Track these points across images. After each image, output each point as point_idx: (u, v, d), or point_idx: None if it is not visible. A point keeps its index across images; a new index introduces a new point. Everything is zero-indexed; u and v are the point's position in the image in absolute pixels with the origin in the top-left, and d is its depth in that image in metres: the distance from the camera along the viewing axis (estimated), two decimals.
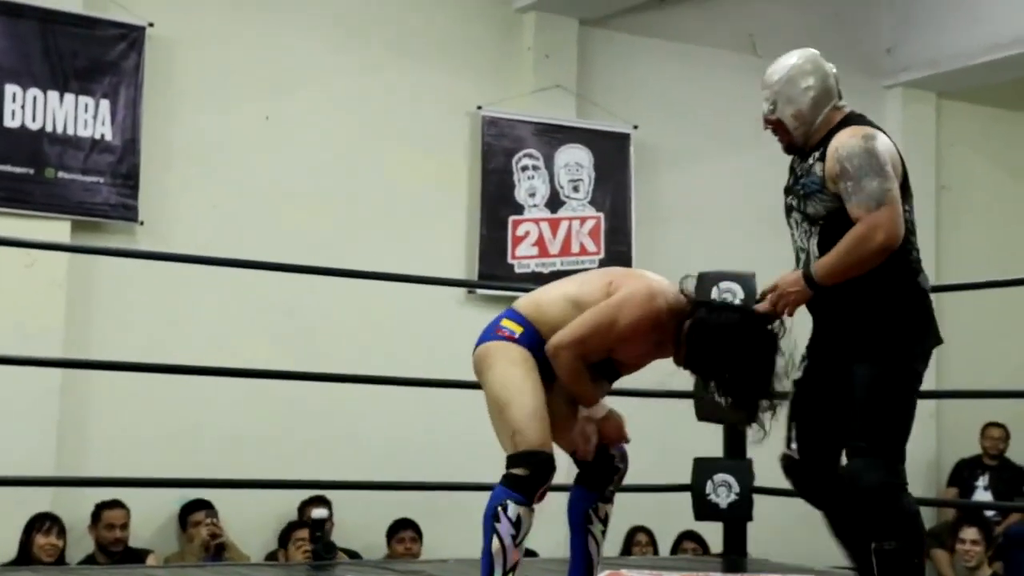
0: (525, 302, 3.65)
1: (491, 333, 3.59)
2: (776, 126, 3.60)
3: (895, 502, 3.41)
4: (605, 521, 3.77)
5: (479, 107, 7.86)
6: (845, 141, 3.44)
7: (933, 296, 3.57)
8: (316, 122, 7.46)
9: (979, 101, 9.61)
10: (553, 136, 8.02)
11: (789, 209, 3.64)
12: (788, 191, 3.65)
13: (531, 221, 7.91)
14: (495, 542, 3.44)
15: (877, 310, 3.45)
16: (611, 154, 8.15)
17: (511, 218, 7.88)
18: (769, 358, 3.52)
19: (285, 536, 6.76)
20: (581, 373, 3.49)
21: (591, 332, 3.46)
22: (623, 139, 8.18)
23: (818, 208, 3.50)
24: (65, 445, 6.57)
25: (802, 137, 3.56)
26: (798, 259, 3.61)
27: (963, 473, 8.92)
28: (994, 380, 8.63)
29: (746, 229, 7.99)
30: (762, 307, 3.54)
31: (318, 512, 6.65)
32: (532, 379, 3.50)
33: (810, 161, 3.54)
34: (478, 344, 3.62)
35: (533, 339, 3.54)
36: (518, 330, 3.56)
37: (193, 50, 7.15)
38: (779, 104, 3.55)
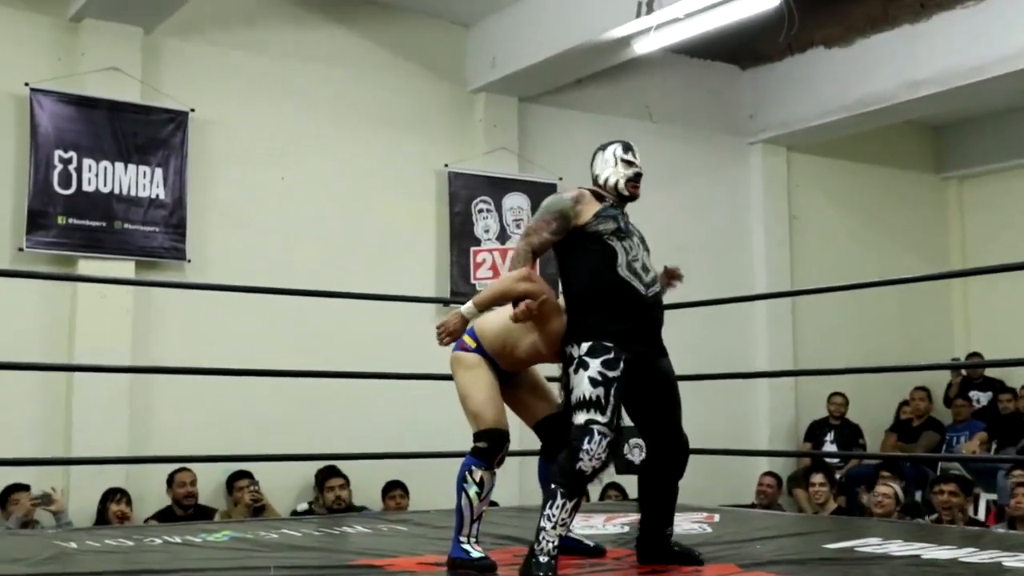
0: (478, 323, 3.65)
1: (457, 345, 3.61)
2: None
3: None
4: None
5: (446, 165, 7.84)
6: None
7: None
8: (321, 180, 7.43)
9: (817, 153, 9.72)
10: (500, 186, 8.02)
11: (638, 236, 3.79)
12: (628, 228, 3.78)
13: (486, 251, 7.89)
14: (464, 498, 3.44)
15: None
16: (543, 199, 8.04)
17: (472, 249, 7.86)
18: None
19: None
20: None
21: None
22: (552, 187, 8.14)
23: None
24: (134, 433, 6.51)
25: None
26: (645, 270, 3.67)
27: (815, 431, 9.00)
28: (837, 361, 8.70)
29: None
30: None
31: None
32: (483, 377, 3.52)
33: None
34: (453, 351, 3.64)
35: (482, 350, 3.56)
36: (472, 344, 3.58)
37: (225, 128, 7.11)
38: None
